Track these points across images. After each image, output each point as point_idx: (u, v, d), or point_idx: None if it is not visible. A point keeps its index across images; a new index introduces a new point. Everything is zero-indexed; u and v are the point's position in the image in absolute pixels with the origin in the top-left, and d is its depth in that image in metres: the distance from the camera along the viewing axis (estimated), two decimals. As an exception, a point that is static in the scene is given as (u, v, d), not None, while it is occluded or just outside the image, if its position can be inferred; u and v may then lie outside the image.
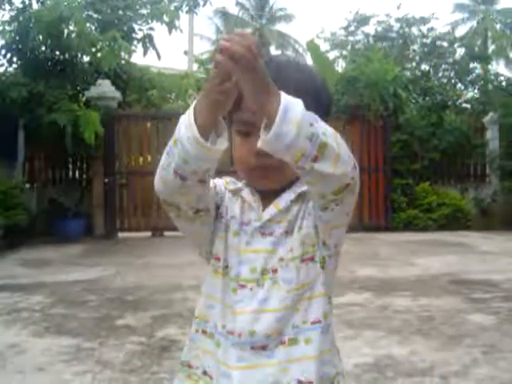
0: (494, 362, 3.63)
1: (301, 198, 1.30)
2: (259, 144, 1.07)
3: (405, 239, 10.36)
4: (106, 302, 5.50)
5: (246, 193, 1.34)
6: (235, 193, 1.36)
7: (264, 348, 1.23)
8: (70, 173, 12.00)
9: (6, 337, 4.33)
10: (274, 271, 1.25)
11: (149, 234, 11.56)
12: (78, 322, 4.77)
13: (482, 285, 6.17)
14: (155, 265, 7.67)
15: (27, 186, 11.51)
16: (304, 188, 1.29)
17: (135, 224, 11.68)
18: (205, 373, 1.30)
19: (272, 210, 1.29)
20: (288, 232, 1.28)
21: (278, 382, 1.23)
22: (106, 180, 11.20)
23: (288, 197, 1.30)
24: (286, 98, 1.04)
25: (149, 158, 11.90)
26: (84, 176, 11.98)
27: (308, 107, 1.24)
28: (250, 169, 1.30)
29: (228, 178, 1.40)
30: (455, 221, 12.02)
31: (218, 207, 1.35)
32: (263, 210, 1.31)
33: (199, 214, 1.27)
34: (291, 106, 1.03)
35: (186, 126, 1.11)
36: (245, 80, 1.03)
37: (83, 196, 11.37)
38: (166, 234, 11.30)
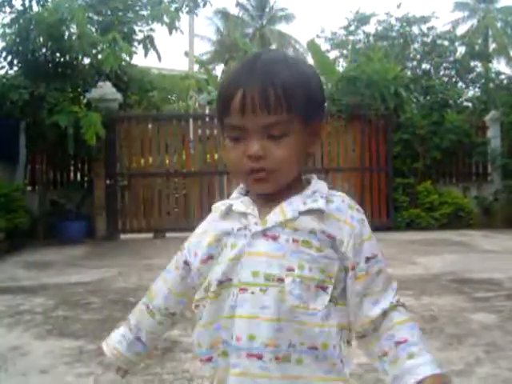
0: (497, 361, 3.62)
1: (313, 214, 1.26)
2: None
3: (407, 238, 10.35)
4: (109, 304, 5.49)
5: (237, 204, 1.32)
6: (227, 211, 1.34)
7: (259, 357, 1.20)
8: (72, 175, 12.02)
9: (9, 339, 4.33)
10: (280, 280, 1.21)
11: (151, 235, 11.56)
12: (80, 323, 4.77)
13: (485, 284, 6.15)
14: (157, 266, 7.66)
15: (29, 188, 11.54)
16: (317, 205, 1.27)
17: (137, 225, 11.69)
18: None
19: (278, 216, 1.26)
20: (296, 241, 1.24)
21: None
22: (108, 182, 11.20)
23: (296, 206, 1.27)
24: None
25: (150, 160, 11.92)
26: (85, 178, 12.00)
27: (298, 103, 1.23)
28: (244, 173, 1.28)
29: (218, 203, 1.39)
30: (457, 219, 12.01)
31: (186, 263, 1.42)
32: (265, 215, 1.27)
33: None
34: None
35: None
36: None
37: (85, 198, 11.38)
38: (168, 235, 11.31)
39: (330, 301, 1.23)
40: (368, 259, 1.27)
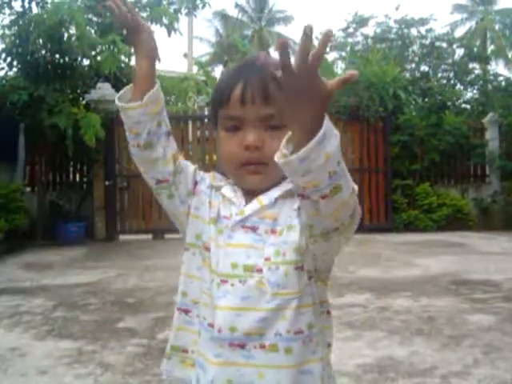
0: (494, 362, 3.64)
1: (289, 195, 1.26)
2: (276, 156, 1.00)
3: (405, 240, 10.36)
4: (108, 305, 5.51)
5: (227, 189, 1.34)
6: (217, 189, 1.36)
7: (242, 346, 1.22)
8: (71, 176, 12.03)
9: (8, 340, 4.34)
10: (259, 270, 1.23)
11: (150, 236, 11.56)
12: (79, 324, 4.78)
13: (483, 285, 6.17)
14: (156, 267, 7.68)
15: (28, 189, 11.53)
16: (290, 186, 1.25)
17: (136, 227, 11.69)
18: None
19: (255, 205, 1.28)
20: (275, 231, 1.25)
21: None
22: (107, 183, 11.21)
23: (272, 194, 1.28)
24: (326, 124, 0.95)
25: (149, 161, 11.89)
26: (85, 179, 12.00)
27: None
28: (239, 164, 1.29)
29: (217, 174, 1.41)
30: (455, 221, 12.03)
31: (195, 183, 1.40)
32: (245, 206, 1.29)
33: (161, 186, 1.37)
34: (329, 135, 0.96)
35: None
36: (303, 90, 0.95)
37: (84, 199, 11.39)
38: (167, 236, 11.31)
39: (310, 278, 1.24)
40: None
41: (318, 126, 0.95)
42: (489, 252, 8.77)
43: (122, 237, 11.42)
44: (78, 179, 12.06)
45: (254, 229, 1.27)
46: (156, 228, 11.56)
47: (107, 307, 5.42)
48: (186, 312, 1.35)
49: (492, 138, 13.00)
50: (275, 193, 1.28)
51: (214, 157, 11.88)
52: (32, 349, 4.10)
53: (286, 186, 1.28)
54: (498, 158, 12.78)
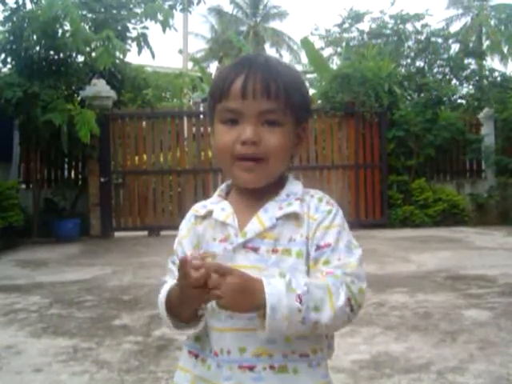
0: (490, 358, 3.64)
1: (291, 219, 1.26)
2: (260, 333, 1.15)
3: (401, 236, 10.37)
4: (103, 302, 5.49)
5: (217, 212, 1.31)
6: (205, 217, 1.33)
7: (251, 369, 1.20)
8: (66, 173, 12.01)
9: (3, 338, 4.33)
10: None
11: (145, 233, 11.55)
12: (74, 322, 4.77)
13: (479, 280, 6.17)
14: (152, 264, 7.66)
15: (23, 186, 11.52)
16: (293, 208, 1.26)
17: (131, 223, 11.68)
18: None
19: (256, 226, 1.25)
20: (276, 251, 1.23)
21: None
22: (102, 179, 11.19)
23: (272, 212, 1.26)
24: (270, 296, 1.10)
25: (144, 157, 11.91)
26: (80, 176, 11.99)
27: (294, 97, 1.26)
28: (234, 159, 1.26)
29: (199, 205, 1.38)
30: (451, 217, 12.04)
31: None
32: (244, 223, 1.26)
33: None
34: (276, 304, 1.10)
35: (161, 314, 1.28)
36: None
37: (79, 196, 11.38)
38: (163, 233, 11.30)
39: None
40: (318, 247, 1.23)
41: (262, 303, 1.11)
42: (485, 247, 8.78)
43: (118, 233, 11.40)
44: (73, 176, 12.04)
45: (255, 249, 1.24)
46: (151, 225, 11.57)
47: (103, 304, 5.41)
48: (196, 356, 1.30)
49: (487, 134, 13.01)
50: (275, 212, 1.27)
51: (210, 153, 11.86)
52: (27, 346, 4.08)
53: (286, 208, 1.27)
54: (493, 154, 12.80)
